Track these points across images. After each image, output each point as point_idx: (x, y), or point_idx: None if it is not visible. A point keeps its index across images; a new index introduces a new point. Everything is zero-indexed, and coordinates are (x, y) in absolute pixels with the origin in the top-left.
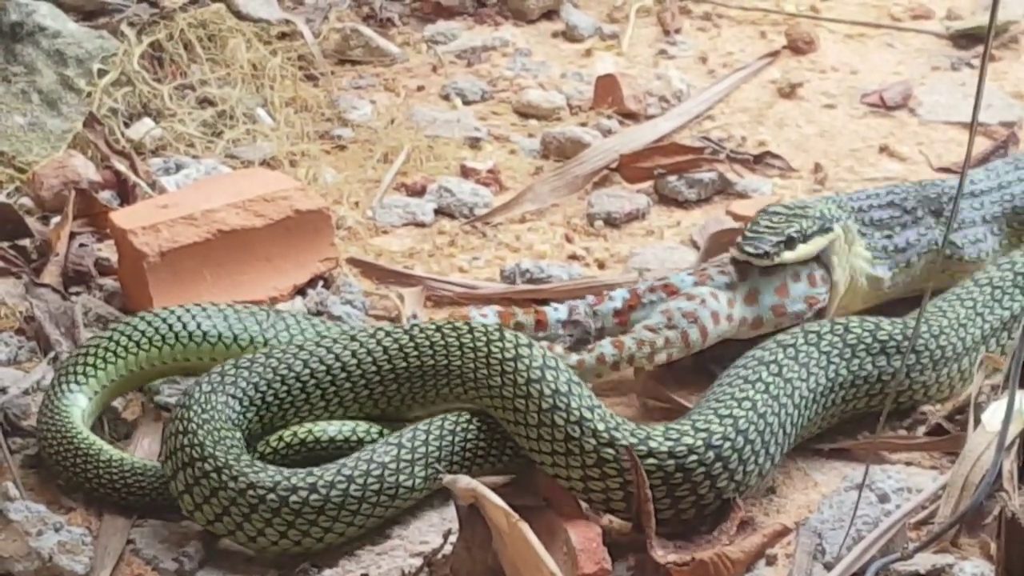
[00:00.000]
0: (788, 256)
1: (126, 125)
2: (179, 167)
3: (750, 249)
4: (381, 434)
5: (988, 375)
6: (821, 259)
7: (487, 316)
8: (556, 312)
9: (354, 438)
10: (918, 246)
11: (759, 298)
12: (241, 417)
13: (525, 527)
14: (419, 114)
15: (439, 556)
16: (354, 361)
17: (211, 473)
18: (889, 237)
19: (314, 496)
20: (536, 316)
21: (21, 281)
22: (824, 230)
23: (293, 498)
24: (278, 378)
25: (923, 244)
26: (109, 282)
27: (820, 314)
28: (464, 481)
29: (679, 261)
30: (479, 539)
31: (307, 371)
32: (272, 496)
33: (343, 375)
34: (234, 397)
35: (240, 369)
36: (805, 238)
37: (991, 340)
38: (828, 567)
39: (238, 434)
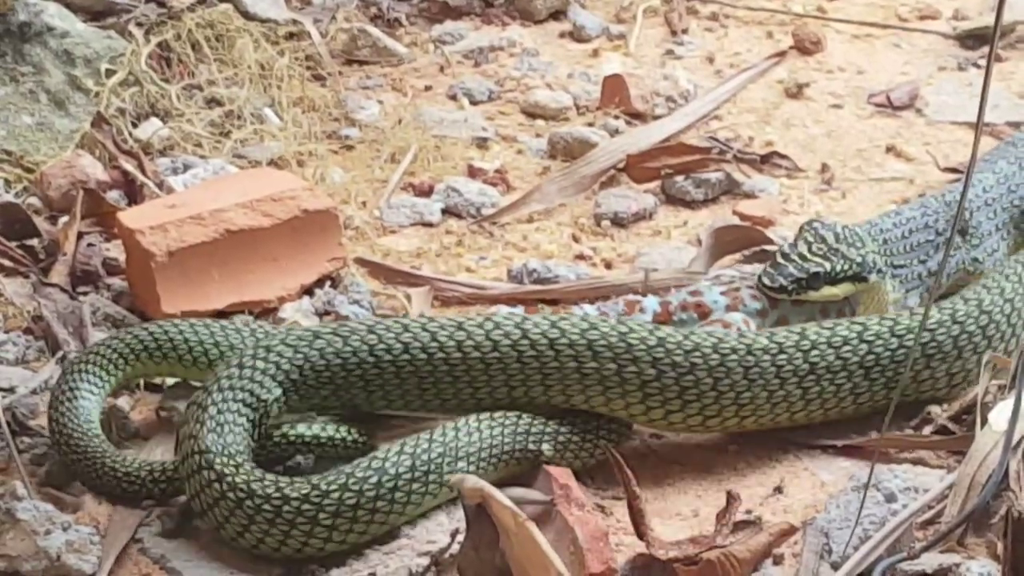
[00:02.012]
0: (811, 295)
1: (134, 125)
2: (187, 167)
3: (767, 281)
4: (358, 442)
5: (994, 375)
6: (850, 301)
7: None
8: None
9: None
10: (948, 268)
11: None
12: (274, 402)
13: (532, 527)
14: (426, 114)
15: (446, 555)
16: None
17: (201, 462)
18: (924, 262)
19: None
20: None
21: (29, 281)
22: (858, 278)
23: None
24: (323, 360)
25: (952, 265)
26: (117, 282)
27: None
28: (471, 481)
29: (686, 261)
30: (486, 539)
31: (355, 357)
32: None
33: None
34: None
35: (286, 345)
36: (834, 280)
37: None
38: (835, 566)
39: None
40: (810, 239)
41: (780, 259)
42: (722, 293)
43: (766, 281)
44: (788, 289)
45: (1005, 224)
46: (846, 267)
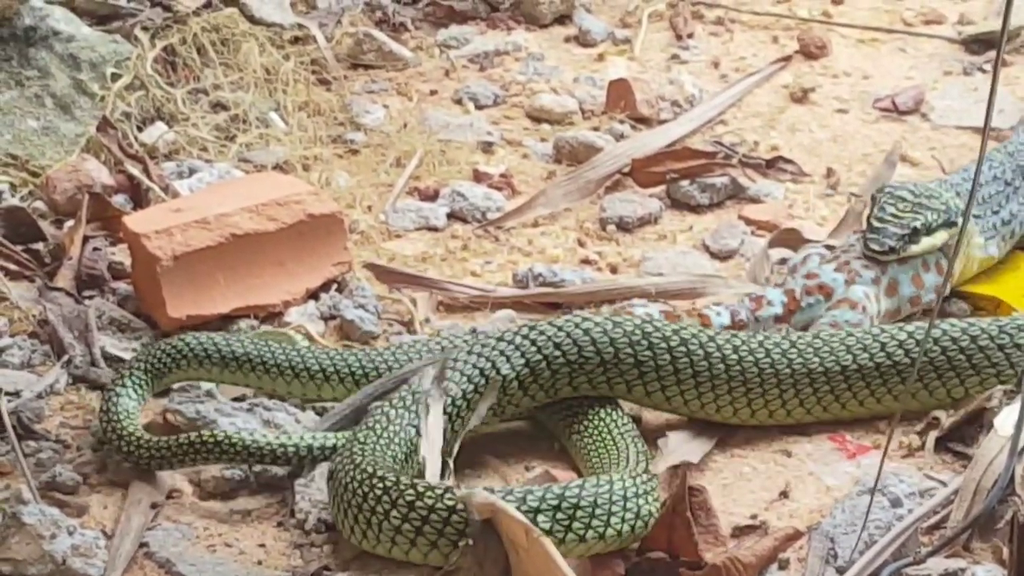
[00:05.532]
0: (913, 249)
1: (139, 129)
2: (192, 171)
3: (876, 247)
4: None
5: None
6: (943, 251)
7: (651, 313)
8: (719, 316)
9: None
10: (1020, 216)
11: (899, 289)
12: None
13: (547, 541)
14: (432, 118)
15: (451, 569)
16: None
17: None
18: (996, 212)
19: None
20: (701, 320)
21: (35, 285)
22: (949, 224)
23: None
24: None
25: (1022, 215)
26: (122, 286)
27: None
28: (481, 496)
29: (691, 265)
30: (492, 553)
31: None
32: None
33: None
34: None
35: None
36: (929, 231)
37: None
38: (840, 571)
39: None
40: (891, 201)
41: (876, 224)
42: (835, 270)
43: (875, 247)
44: (896, 248)
45: None
46: (936, 217)
